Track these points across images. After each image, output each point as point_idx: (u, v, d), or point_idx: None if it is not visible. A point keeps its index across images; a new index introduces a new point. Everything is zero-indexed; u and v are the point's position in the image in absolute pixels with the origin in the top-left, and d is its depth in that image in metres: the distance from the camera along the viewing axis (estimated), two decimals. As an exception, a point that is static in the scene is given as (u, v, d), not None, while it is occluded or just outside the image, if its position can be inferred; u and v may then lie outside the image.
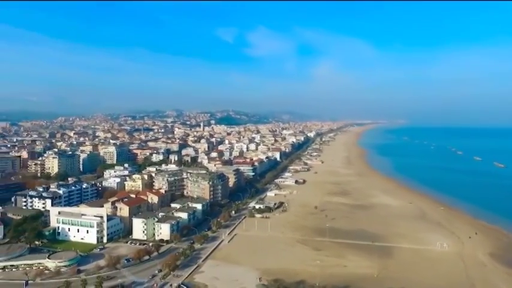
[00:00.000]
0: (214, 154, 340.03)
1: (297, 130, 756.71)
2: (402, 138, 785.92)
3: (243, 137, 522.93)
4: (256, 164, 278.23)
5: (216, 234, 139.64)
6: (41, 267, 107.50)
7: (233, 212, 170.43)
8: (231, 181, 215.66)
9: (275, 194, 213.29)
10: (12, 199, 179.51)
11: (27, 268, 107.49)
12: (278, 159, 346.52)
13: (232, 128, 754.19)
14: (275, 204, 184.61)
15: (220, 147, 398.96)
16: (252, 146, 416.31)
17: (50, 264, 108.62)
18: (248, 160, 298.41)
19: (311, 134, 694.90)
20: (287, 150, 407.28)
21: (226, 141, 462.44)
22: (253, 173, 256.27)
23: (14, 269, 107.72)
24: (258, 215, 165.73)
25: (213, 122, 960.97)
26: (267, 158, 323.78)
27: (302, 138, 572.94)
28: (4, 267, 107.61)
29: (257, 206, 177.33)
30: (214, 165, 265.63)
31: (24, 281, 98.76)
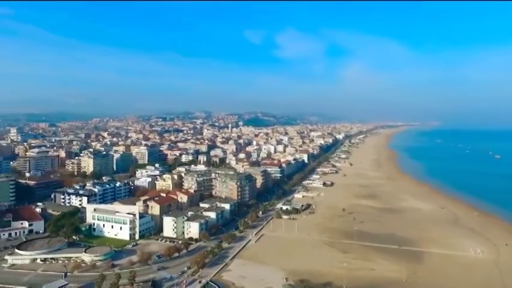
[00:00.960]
0: (242, 155, 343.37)
1: (325, 132, 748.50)
2: (435, 141, 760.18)
3: (271, 139, 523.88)
4: (283, 165, 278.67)
5: (244, 234, 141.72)
6: (78, 261, 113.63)
7: (260, 212, 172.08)
8: (259, 182, 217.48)
9: (302, 196, 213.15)
10: (52, 196, 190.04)
11: (65, 261, 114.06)
12: (306, 161, 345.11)
13: (260, 129, 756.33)
14: (302, 206, 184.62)
15: (248, 149, 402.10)
16: (280, 148, 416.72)
17: (87, 258, 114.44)
18: (276, 162, 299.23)
19: (340, 136, 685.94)
20: (315, 152, 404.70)
21: (254, 143, 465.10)
22: (280, 175, 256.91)
23: (54, 262, 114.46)
24: (285, 216, 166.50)
25: (241, 123, 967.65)
26: (294, 159, 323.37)
27: (330, 140, 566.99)
28: (45, 260, 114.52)
29: (284, 208, 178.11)
30: (242, 166, 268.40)
31: (63, 273, 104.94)
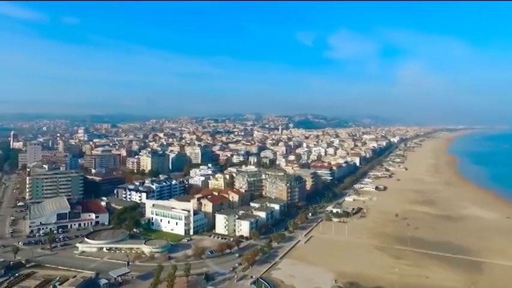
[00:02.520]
0: (292, 157, 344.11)
1: (378, 135, 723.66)
2: (502, 146, 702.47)
3: (321, 141, 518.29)
4: (334, 168, 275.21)
5: (293, 235, 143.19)
6: (138, 252, 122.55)
7: (310, 214, 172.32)
8: (308, 184, 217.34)
9: (353, 199, 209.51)
10: (115, 191, 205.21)
11: (127, 251, 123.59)
12: (357, 164, 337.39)
13: (311, 131, 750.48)
14: (353, 209, 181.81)
15: (298, 151, 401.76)
16: (331, 150, 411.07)
17: (146, 249, 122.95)
18: (326, 164, 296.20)
19: (394, 140, 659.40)
20: (367, 155, 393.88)
21: (304, 145, 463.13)
22: (331, 177, 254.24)
23: (117, 251, 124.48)
24: (335, 219, 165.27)
25: (291, 125, 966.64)
26: (345, 162, 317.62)
27: (384, 144, 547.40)
28: (110, 249, 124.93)
29: (334, 210, 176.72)
30: (292, 167, 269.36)
31: (126, 262, 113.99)
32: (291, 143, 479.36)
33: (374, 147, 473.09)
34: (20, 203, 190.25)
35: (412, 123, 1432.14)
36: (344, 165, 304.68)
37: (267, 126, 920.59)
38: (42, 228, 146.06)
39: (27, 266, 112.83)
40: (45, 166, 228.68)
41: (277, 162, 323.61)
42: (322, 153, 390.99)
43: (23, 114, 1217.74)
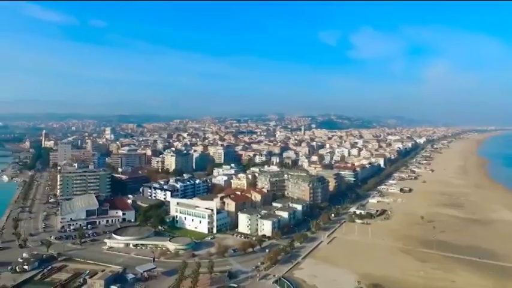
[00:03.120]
0: (314, 158, 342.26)
1: (404, 136, 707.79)
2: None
3: (345, 142, 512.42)
4: (358, 169, 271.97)
5: (315, 235, 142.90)
6: (163, 248, 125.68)
7: (333, 215, 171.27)
8: (331, 185, 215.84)
9: (377, 201, 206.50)
10: (140, 189, 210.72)
11: (153, 247, 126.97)
12: (382, 165, 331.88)
13: (334, 132, 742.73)
14: (377, 211, 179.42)
15: (320, 151, 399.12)
16: (354, 151, 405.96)
17: (171, 246, 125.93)
18: (349, 165, 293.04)
19: (420, 141, 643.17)
20: (392, 156, 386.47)
21: (327, 146, 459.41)
22: (354, 178, 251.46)
23: (143, 247, 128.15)
24: (358, 221, 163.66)
25: (314, 126, 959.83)
26: (369, 163, 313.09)
27: (410, 145, 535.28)
28: (136, 245, 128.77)
29: (358, 212, 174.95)
30: (315, 168, 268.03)
31: (152, 258, 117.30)
32: (313, 143, 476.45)
33: (399, 148, 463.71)
34: (52, 200, 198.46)
35: (439, 124, 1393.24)
36: (368, 166, 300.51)
37: (289, 126, 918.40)
38: (73, 224, 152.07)
39: (58, 259, 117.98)
40: (75, 164, 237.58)
41: (300, 163, 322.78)
42: (346, 154, 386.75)
43: (53, 114, 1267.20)
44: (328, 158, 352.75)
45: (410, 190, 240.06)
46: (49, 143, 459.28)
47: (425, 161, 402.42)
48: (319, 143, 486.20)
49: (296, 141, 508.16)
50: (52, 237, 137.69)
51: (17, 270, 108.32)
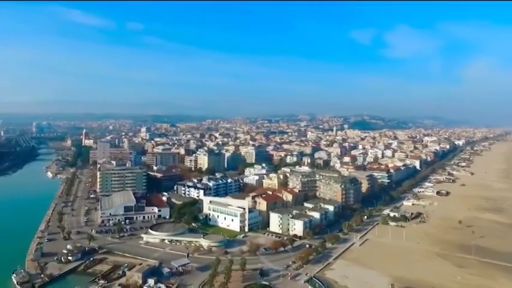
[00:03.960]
0: (347, 159, 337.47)
1: (441, 137, 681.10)
2: None
3: (378, 143, 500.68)
4: (392, 171, 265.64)
5: (347, 237, 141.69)
6: (197, 245, 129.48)
7: (365, 217, 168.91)
8: (364, 186, 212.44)
9: (412, 204, 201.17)
10: (174, 187, 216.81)
11: (187, 244, 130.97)
12: (417, 167, 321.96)
13: (367, 133, 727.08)
14: (412, 214, 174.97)
15: (353, 152, 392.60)
16: (388, 153, 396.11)
17: (204, 243, 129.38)
18: (383, 167, 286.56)
19: (459, 142, 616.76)
20: (428, 158, 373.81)
21: (360, 146, 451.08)
22: (388, 180, 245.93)
23: (178, 243, 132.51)
24: (392, 223, 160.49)
25: (346, 126, 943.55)
26: (404, 165, 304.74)
27: (447, 146, 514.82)
28: (171, 241, 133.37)
29: (392, 214, 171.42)
30: (347, 169, 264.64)
31: (186, 253, 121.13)
32: (346, 144, 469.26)
33: (436, 150, 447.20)
34: (92, 196, 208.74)
35: (480, 125, 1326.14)
36: (402, 168, 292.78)
37: (320, 127, 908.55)
38: (112, 219, 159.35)
39: (99, 252, 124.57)
40: (113, 162, 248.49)
41: (332, 164, 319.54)
42: (379, 155, 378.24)
43: (92, 114, 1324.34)
44: (361, 159, 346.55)
45: (447, 193, 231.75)
46: (89, 142, 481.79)
47: (464, 164, 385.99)
48: (352, 144, 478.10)
49: (328, 142, 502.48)
50: (93, 231, 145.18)
51: (62, 260, 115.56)
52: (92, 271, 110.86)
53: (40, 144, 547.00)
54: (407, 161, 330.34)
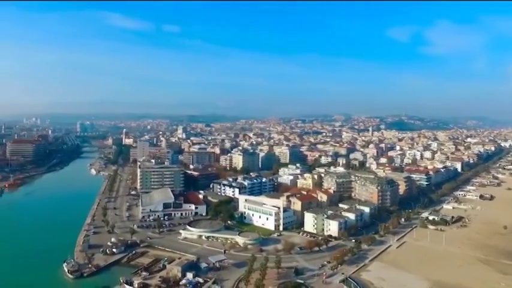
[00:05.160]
0: (383, 160, 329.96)
1: (486, 138, 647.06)
2: None
3: (417, 144, 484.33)
4: (431, 173, 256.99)
5: (384, 239, 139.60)
6: (233, 242, 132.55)
7: (403, 219, 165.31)
8: (402, 188, 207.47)
9: (453, 207, 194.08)
10: (210, 186, 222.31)
11: (223, 240, 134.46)
12: (459, 169, 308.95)
13: (405, 133, 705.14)
14: (452, 217, 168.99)
15: (390, 153, 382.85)
16: (427, 154, 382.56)
17: (240, 240, 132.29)
18: (422, 168, 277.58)
19: (506, 144, 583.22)
20: (471, 160, 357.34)
21: (397, 147, 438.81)
22: (427, 182, 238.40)
23: (214, 240, 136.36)
24: (431, 226, 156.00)
25: (382, 126, 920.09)
26: (444, 167, 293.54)
27: (492, 148, 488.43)
28: (208, 237, 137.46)
29: (431, 217, 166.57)
30: (383, 170, 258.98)
31: (222, 250, 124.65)
32: (382, 145, 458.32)
33: (480, 152, 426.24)
34: (133, 192, 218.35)
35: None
36: (443, 170, 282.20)
37: (356, 127, 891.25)
38: (152, 215, 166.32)
39: (141, 245, 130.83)
40: (152, 161, 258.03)
41: (368, 165, 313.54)
42: (418, 157, 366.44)
43: (131, 114, 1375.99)
44: (398, 161, 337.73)
45: (491, 197, 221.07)
46: (128, 141, 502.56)
47: (511, 166, 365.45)
48: (389, 145, 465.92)
49: (363, 143, 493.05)
50: (134, 226, 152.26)
51: (107, 252, 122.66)
52: (135, 263, 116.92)
53: (84, 142, 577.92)
54: (448, 163, 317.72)
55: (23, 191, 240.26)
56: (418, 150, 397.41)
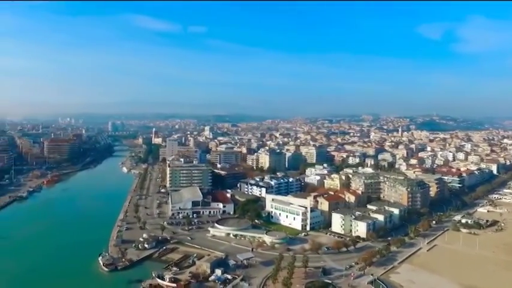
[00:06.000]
0: (413, 161, 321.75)
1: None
2: None
3: (449, 145, 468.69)
4: (464, 175, 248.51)
5: (414, 241, 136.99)
6: (260, 240, 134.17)
7: (434, 222, 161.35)
8: (433, 190, 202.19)
9: (488, 211, 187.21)
10: (237, 185, 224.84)
11: (251, 239, 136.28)
12: (494, 172, 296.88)
13: (436, 134, 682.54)
14: (487, 221, 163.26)
15: (420, 154, 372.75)
16: (461, 155, 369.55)
17: (267, 239, 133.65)
18: (454, 170, 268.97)
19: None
20: (508, 162, 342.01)
21: (428, 148, 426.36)
22: (459, 185, 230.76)
23: (242, 238, 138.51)
24: (464, 230, 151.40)
25: (413, 127, 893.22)
26: (478, 169, 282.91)
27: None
28: (236, 235, 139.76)
29: (464, 220, 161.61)
30: (414, 172, 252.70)
31: (250, 248, 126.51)
32: (412, 146, 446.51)
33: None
34: (163, 190, 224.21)
35: None
36: (477, 172, 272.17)
37: (385, 127, 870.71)
38: (181, 212, 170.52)
39: (171, 242, 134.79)
40: (181, 159, 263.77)
41: (397, 166, 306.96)
42: (450, 158, 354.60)
43: (159, 114, 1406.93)
44: (429, 162, 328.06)
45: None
46: (157, 140, 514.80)
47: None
48: (419, 146, 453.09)
49: (393, 143, 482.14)
50: (165, 223, 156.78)
51: (139, 247, 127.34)
52: (165, 259, 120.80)
53: (115, 141, 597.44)
54: (483, 165, 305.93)
55: (60, 187, 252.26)
56: (450, 152, 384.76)
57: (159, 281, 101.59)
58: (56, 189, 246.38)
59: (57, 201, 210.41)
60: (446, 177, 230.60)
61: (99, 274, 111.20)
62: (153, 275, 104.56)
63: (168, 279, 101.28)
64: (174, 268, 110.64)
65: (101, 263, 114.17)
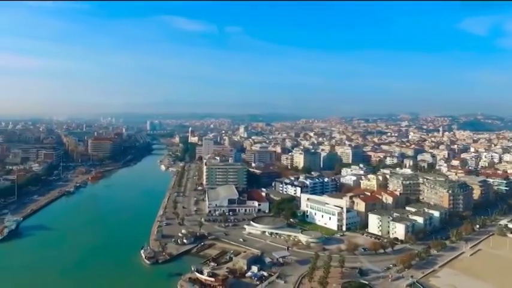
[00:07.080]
0: (455, 162, 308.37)
1: None
2: None
3: (495, 146, 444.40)
4: (511, 177, 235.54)
5: (455, 245, 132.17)
6: (295, 239, 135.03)
7: (477, 226, 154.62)
8: (476, 193, 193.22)
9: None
10: (272, 184, 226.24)
11: (286, 237, 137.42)
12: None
13: (481, 134, 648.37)
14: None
15: (463, 155, 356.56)
16: (508, 157, 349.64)
17: (303, 238, 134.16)
18: (500, 172, 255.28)
19: None
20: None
21: (472, 149, 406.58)
22: (506, 187, 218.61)
23: (277, 236, 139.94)
24: (510, 235, 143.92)
25: (454, 126, 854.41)
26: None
27: None
28: (271, 233, 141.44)
29: (510, 225, 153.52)
30: (456, 173, 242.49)
31: (286, 247, 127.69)
32: (454, 146, 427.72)
33: None
34: (199, 188, 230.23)
35: None
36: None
37: (424, 127, 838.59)
38: (217, 210, 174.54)
39: (208, 238, 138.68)
40: (217, 158, 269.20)
41: (437, 167, 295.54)
42: (496, 160, 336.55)
43: (195, 113, 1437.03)
44: (473, 163, 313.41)
45: None
46: (194, 139, 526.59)
47: None
48: (462, 146, 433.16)
49: (433, 144, 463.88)
50: (202, 219, 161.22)
51: (179, 242, 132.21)
52: (203, 254, 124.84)
53: (153, 140, 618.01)
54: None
55: (103, 184, 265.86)
56: (496, 153, 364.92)
57: (198, 275, 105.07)
58: (99, 185, 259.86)
59: (101, 197, 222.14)
60: (491, 180, 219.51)
61: (141, 266, 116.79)
62: (193, 269, 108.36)
63: (206, 274, 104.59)
64: (212, 263, 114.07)
65: (143, 256, 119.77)
